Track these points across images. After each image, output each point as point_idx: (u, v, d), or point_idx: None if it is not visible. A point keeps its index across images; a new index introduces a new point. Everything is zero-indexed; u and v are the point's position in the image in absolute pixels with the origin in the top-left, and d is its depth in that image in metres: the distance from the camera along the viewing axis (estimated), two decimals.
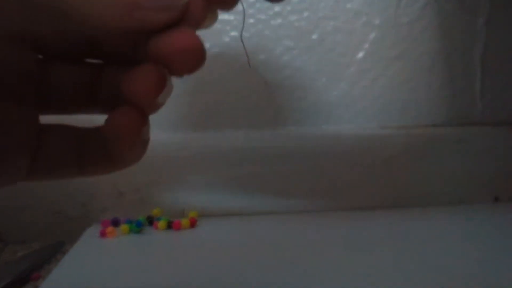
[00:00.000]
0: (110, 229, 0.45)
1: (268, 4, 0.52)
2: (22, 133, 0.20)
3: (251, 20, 0.53)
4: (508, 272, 0.35)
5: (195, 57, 0.20)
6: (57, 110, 0.23)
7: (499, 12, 0.56)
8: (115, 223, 0.47)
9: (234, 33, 0.52)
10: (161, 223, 0.47)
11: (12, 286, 0.39)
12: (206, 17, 0.21)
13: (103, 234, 0.45)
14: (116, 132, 0.20)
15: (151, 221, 0.48)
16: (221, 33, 0.52)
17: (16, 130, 0.20)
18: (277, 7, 0.53)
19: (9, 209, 0.50)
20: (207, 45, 0.52)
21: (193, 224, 0.48)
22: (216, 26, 0.52)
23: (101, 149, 0.22)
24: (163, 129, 0.53)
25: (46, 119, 0.22)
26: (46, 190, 0.50)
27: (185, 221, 0.47)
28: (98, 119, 0.23)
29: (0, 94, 0.19)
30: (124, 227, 0.46)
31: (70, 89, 0.22)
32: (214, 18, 0.23)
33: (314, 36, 0.54)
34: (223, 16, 0.52)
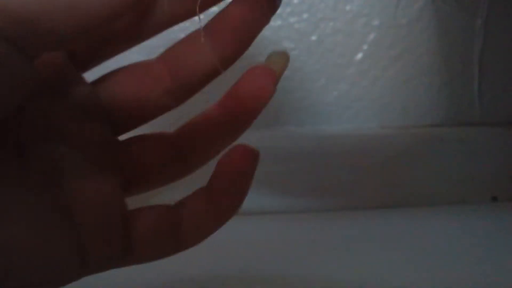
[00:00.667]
0: None
1: None
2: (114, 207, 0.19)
3: None
4: (506, 271, 0.36)
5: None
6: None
7: (497, 13, 0.56)
8: None
9: None
10: None
11: None
12: None
13: None
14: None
15: None
16: None
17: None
18: None
19: None
20: None
21: None
22: None
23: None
24: (162, 129, 0.53)
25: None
26: None
27: None
28: None
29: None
30: None
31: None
32: None
33: (314, 37, 0.54)
34: None
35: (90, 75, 0.21)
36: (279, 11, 0.54)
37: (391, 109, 0.56)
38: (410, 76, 0.56)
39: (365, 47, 0.55)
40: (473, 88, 0.57)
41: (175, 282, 0.35)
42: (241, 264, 0.38)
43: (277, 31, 0.54)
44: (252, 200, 0.52)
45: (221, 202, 0.19)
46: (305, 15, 0.54)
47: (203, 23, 0.20)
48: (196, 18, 0.19)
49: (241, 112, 0.19)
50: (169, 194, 0.52)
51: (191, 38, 0.20)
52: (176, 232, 0.20)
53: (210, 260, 0.39)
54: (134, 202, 0.52)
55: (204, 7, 0.18)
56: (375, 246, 0.41)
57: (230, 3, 0.19)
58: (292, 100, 0.55)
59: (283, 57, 0.20)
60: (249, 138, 0.53)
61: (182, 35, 0.23)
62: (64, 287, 0.18)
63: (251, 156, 0.18)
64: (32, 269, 0.16)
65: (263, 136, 0.54)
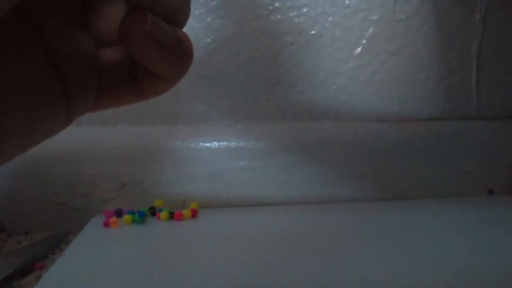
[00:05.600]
0: (113, 219, 0.46)
1: (268, 0, 0.53)
2: (87, 54, 0.21)
3: (251, 15, 0.53)
4: (501, 262, 0.36)
5: None
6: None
7: (495, 8, 0.57)
8: (119, 213, 0.47)
9: (234, 28, 0.53)
10: (163, 214, 0.47)
11: (16, 276, 0.40)
12: None
13: (106, 224, 0.46)
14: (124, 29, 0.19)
15: (153, 211, 0.49)
16: (221, 28, 0.53)
17: (81, 53, 0.21)
18: (276, 3, 0.54)
19: (13, 201, 0.51)
20: (207, 39, 0.53)
21: (194, 214, 0.48)
22: (216, 20, 0.53)
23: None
24: (163, 122, 0.53)
25: None
26: (49, 182, 0.51)
27: (186, 212, 0.48)
28: None
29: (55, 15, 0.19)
30: (127, 217, 0.46)
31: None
32: None
33: (313, 32, 0.55)
34: (223, 11, 0.53)
35: None
36: (279, 5, 0.55)
37: (389, 103, 0.56)
38: (408, 71, 0.56)
39: (363, 41, 0.55)
40: (471, 82, 0.58)
41: (178, 271, 0.35)
42: (241, 253, 0.38)
43: (277, 25, 0.54)
44: (251, 191, 0.53)
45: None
46: (304, 10, 0.54)
47: None
48: None
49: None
50: (170, 183, 0.52)
51: None
52: (134, 72, 0.22)
53: (211, 249, 0.40)
54: (137, 193, 0.52)
55: None
56: (371, 237, 0.42)
57: None
58: (291, 94, 0.55)
59: None
60: (249, 130, 0.54)
61: None
62: None
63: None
64: (26, 105, 0.18)
65: (263, 129, 0.54)
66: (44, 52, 0.19)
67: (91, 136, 0.52)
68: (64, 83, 0.20)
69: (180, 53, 0.21)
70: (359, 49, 0.55)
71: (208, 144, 0.53)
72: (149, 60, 0.21)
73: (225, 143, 0.53)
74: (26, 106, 0.18)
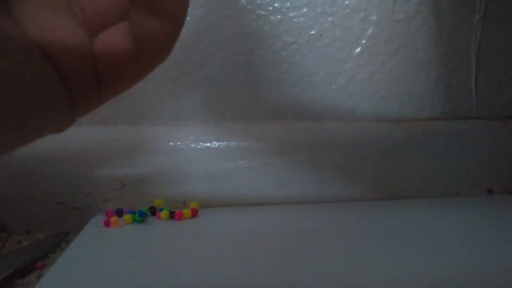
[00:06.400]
0: (114, 218, 0.46)
1: (268, 0, 0.53)
2: (81, 45, 0.21)
3: (251, 16, 0.54)
4: (501, 261, 0.36)
5: None
6: None
7: (494, 8, 0.57)
8: (119, 213, 0.47)
9: (234, 28, 0.53)
10: (164, 213, 0.48)
11: (17, 275, 0.40)
12: None
13: (107, 224, 0.46)
14: None
15: (153, 211, 0.49)
16: (221, 28, 0.53)
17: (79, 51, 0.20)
18: (276, 3, 0.54)
19: (13, 200, 0.51)
20: (207, 40, 0.53)
21: (194, 214, 0.49)
22: (217, 21, 0.53)
23: None
24: (164, 122, 0.54)
25: None
26: (49, 181, 0.51)
27: (186, 212, 0.48)
28: None
29: None
30: (127, 217, 0.47)
31: None
32: None
33: (313, 32, 0.55)
34: (224, 12, 0.53)
35: None
36: (279, 5, 0.55)
37: (389, 103, 0.57)
38: (407, 71, 0.56)
39: (363, 41, 0.55)
40: (470, 82, 0.58)
41: (178, 270, 0.35)
42: (241, 252, 0.38)
43: (277, 25, 0.54)
44: (251, 191, 0.53)
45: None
46: (304, 10, 0.54)
47: None
48: None
49: None
50: (170, 183, 0.52)
51: None
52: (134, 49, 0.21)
53: (211, 248, 0.40)
54: (137, 193, 0.52)
55: None
56: (371, 237, 0.42)
57: None
58: (290, 94, 0.55)
59: None
60: (249, 130, 0.54)
61: None
62: None
63: None
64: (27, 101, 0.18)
65: (263, 129, 0.54)
66: (36, 48, 0.19)
67: (91, 136, 0.52)
68: (63, 78, 0.20)
69: None
70: (358, 49, 0.55)
71: (208, 144, 0.53)
72: None
73: (225, 143, 0.53)
74: (24, 106, 0.18)
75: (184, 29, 0.23)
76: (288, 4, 0.54)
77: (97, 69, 0.21)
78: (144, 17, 0.20)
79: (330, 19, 0.55)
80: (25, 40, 0.19)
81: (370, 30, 0.55)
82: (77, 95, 0.21)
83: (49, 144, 0.50)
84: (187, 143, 0.53)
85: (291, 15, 0.54)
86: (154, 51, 0.21)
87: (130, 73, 0.22)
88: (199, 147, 0.53)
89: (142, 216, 0.47)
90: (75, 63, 0.20)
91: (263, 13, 0.54)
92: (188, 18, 0.24)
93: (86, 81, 0.21)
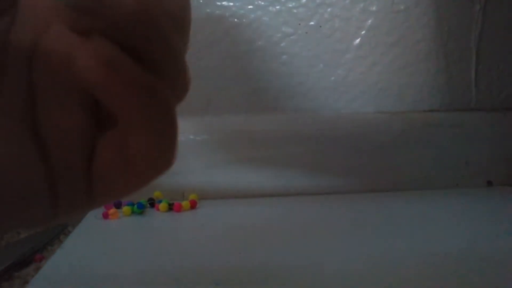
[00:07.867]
0: (112, 210, 0.46)
1: None
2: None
3: (250, 7, 0.53)
4: (500, 252, 0.36)
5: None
6: None
7: None
8: (118, 205, 0.47)
9: (233, 19, 0.53)
10: (162, 205, 0.48)
11: (15, 267, 0.40)
12: None
13: (105, 216, 0.46)
14: None
15: (152, 203, 0.49)
16: (220, 19, 0.53)
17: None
18: None
19: None
20: (206, 32, 0.53)
21: (193, 206, 0.48)
22: (215, 12, 0.52)
23: None
24: None
25: None
26: None
27: (185, 203, 0.48)
28: None
29: None
30: (126, 209, 0.46)
31: None
32: None
33: (312, 23, 0.54)
34: (222, 2, 0.53)
35: None
36: None
37: (388, 95, 0.56)
38: (407, 62, 0.56)
39: (362, 32, 0.55)
40: (470, 74, 0.58)
41: (177, 261, 0.35)
42: (240, 244, 0.38)
43: (276, 16, 0.54)
44: (250, 183, 0.53)
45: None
46: (303, 1, 0.54)
47: None
48: None
49: None
50: (169, 175, 0.52)
51: None
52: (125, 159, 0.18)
53: (210, 240, 0.40)
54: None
55: None
56: (370, 228, 0.42)
57: None
58: (290, 86, 0.55)
59: None
60: (250, 122, 0.54)
61: None
62: None
63: None
64: (7, 190, 0.16)
65: (263, 120, 0.54)
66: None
67: None
68: (50, 166, 0.17)
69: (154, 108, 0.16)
70: (358, 40, 0.55)
71: (207, 136, 0.53)
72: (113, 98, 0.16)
73: (224, 134, 0.53)
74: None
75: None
76: None
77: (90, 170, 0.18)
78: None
79: (329, 10, 0.54)
80: None
81: (370, 21, 0.55)
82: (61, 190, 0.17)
83: None
84: (186, 135, 0.53)
85: (290, 5, 0.54)
86: (146, 165, 0.18)
87: (122, 188, 0.19)
88: (198, 139, 0.53)
89: (140, 208, 0.47)
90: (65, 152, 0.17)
91: (262, 3, 0.53)
92: None
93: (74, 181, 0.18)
